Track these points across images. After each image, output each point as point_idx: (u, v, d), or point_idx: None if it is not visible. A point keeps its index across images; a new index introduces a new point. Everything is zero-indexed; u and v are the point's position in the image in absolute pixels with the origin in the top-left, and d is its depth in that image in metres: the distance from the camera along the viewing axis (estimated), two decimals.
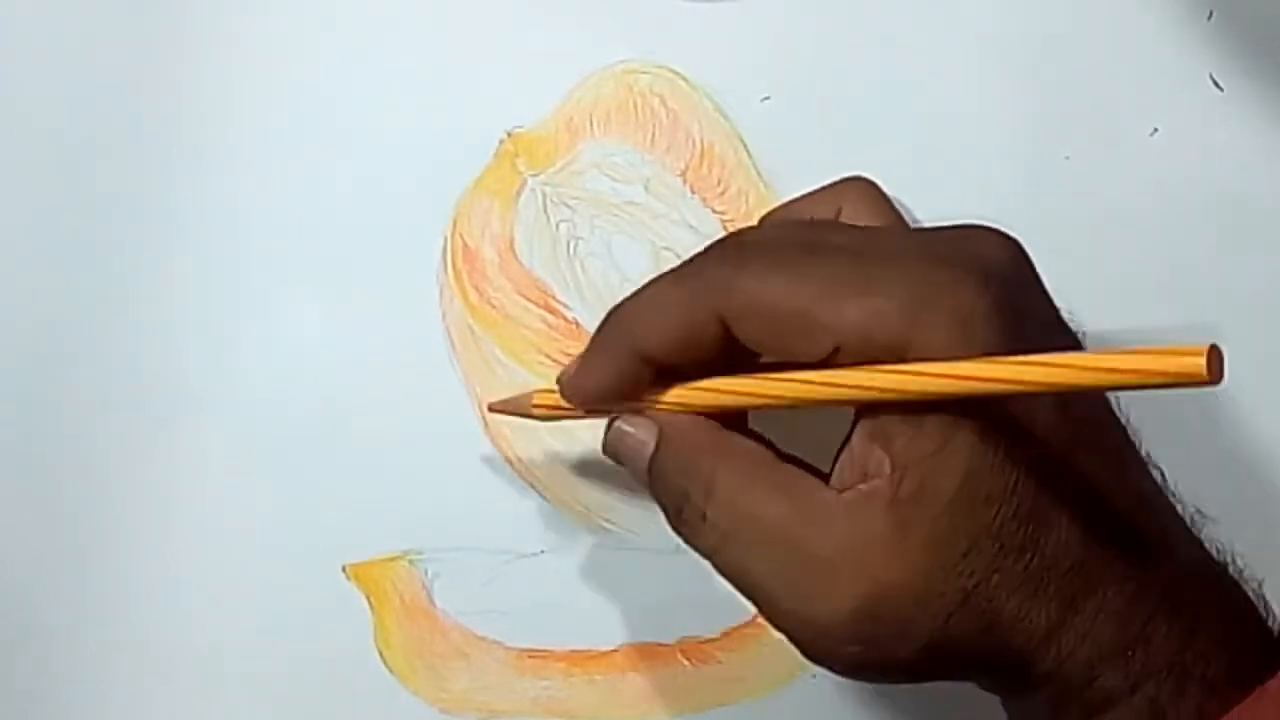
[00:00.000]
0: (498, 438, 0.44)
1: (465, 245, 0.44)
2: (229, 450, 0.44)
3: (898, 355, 0.33)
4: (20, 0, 0.45)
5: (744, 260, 0.35)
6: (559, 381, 0.38)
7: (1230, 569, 0.36)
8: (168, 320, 0.44)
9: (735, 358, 0.36)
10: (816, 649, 0.35)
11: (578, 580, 0.44)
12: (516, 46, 0.45)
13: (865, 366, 0.33)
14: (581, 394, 0.38)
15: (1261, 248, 0.45)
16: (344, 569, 0.44)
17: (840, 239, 0.35)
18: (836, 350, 0.33)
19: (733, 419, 0.37)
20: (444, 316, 0.44)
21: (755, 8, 0.45)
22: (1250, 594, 0.36)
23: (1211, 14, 0.45)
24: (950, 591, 0.33)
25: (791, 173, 0.44)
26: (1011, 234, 0.36)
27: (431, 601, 0.44)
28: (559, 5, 0.45)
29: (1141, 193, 0.45)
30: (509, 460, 0.44)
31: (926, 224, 0.44)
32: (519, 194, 0.44)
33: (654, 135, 0.45)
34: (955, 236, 0.36)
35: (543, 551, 0.44)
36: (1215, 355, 0.28)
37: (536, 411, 0.40)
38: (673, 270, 0.36)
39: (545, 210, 0.44)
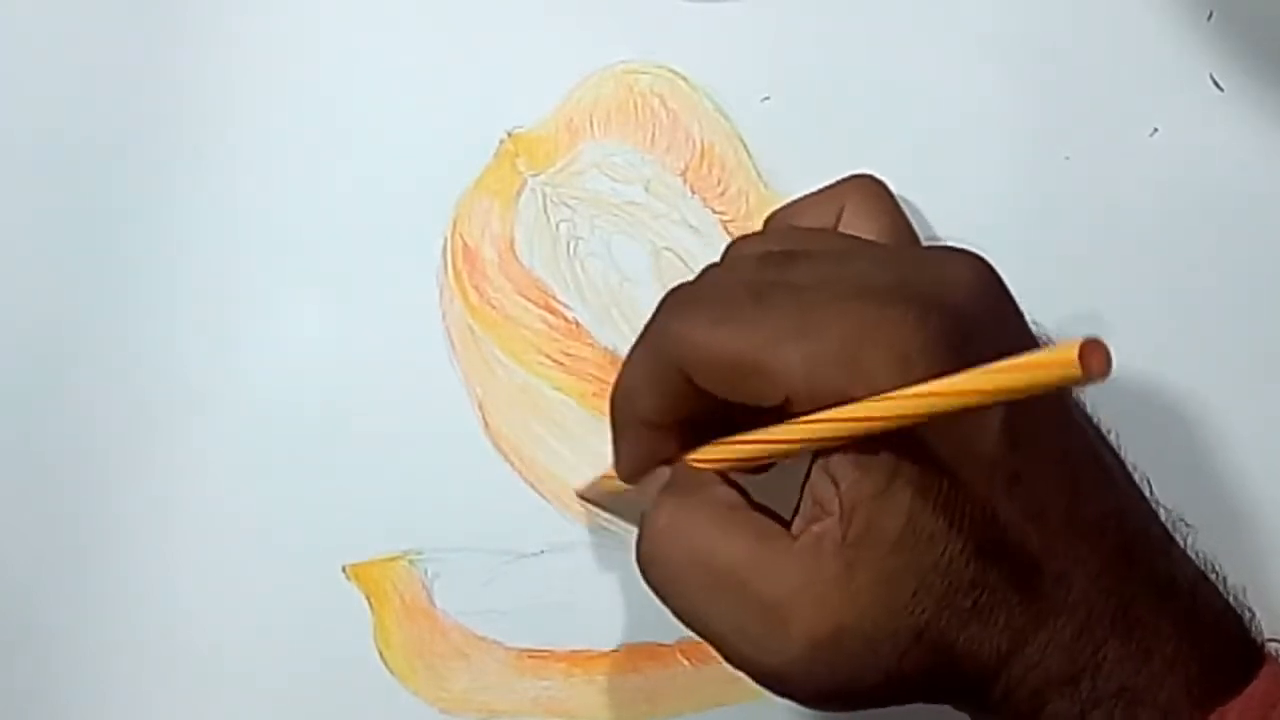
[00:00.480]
0: (498, 438, 0.44)
1: (465, 245, 0.44)
2: (229, 450, 0.44)
3: (842, 398, 0.33)
4: (20, 0, 0.45)
5: (692, 314, 0.35)
6: (614, 470, 0.39)
7: (1212, 578, 0.37)
8: (168, 320, 0.44)
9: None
10: (773, 689, 0.35)
11: (578, 580, 0.44)
12: (516, 46, 0.45)
13: (801, 416, 0.33)
14: (623, 476, 0.39)
15: (1261, 248, 0.45)
16: (344, 569, 0.44)
17: (796, 275, 0.35)
18: (788, 399, 0.34)
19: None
20: (444, 316, 0.44)
21: (755, 8, 0.45)
22: (1231, 603, 0.36)
23: (1211, 14, 0.45)
24: (902, 630, 0.33)
25: (791, 173, 0.44)
26: (982, 255, 0.36)
27: (431, 601, 0.44)
28: (559, 5, 0.45)
29: (1141, 193, 0.45)
30: (509, 460, 0.44)
31: (928, 224, 0.44)
32: (519, 194, 0.44)
33: (654, 135, 0.45)
34: (916, 262, 0.36)
35: (543, 551, 0.44)
36: (1092, 350, 0.27)
37: (607, 490, 0.41)
38: (642, 332, 0.37)
39: (545, 210, 0.44)
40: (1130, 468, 0.37)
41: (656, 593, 0.36)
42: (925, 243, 0.42)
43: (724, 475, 0.37)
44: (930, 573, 0.33)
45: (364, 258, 0.44)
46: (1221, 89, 0.45)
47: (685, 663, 0.43)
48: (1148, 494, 0.37)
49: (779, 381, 0.33)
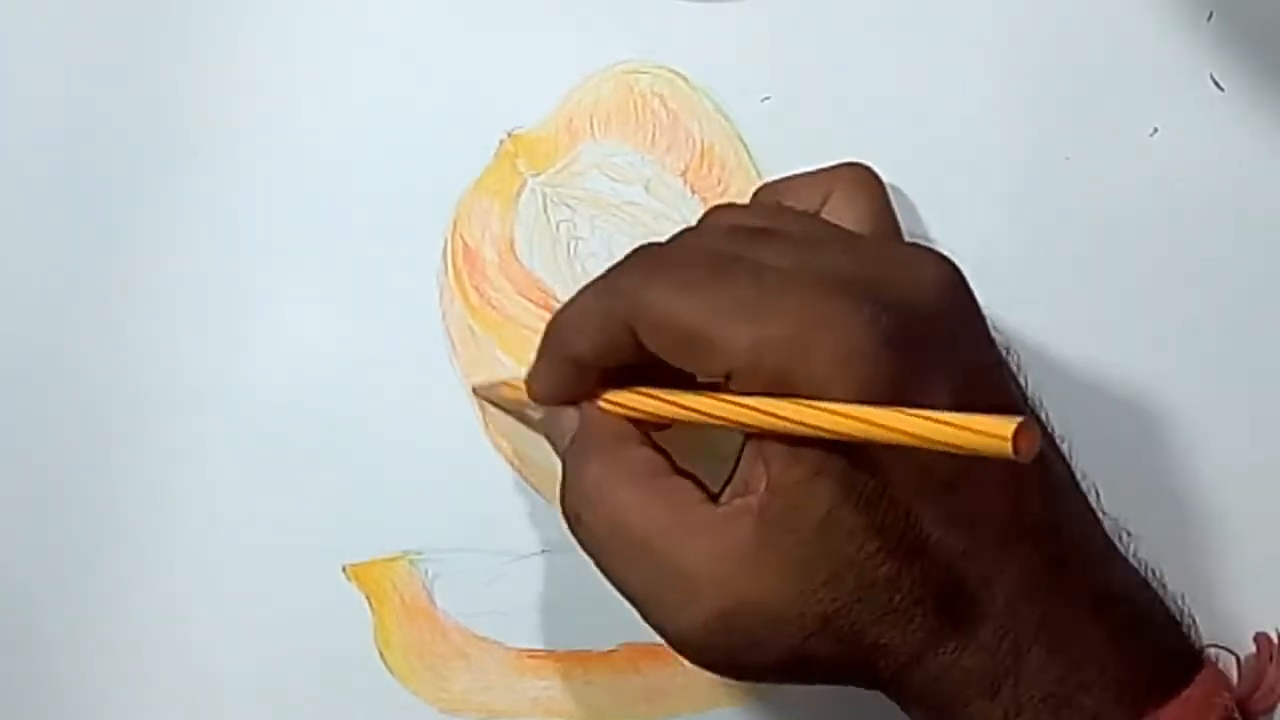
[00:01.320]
0: (498, 438, 0.44)
1: (465, 245, 0.44)
2: (229, 450, 0.44)
3: (784, 384, 0.33)
4: (20, 0, 0.45)
5: (653, 275, 0.35)
6: (525, 383, 0.40)
7: (1153, 584, 0.37)
8: (168, 321, 0.44)
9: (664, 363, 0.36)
10: (680, 653, 0.35)
11: (578, 580, 0.43)
12: (516, 46, 0.45)
13: (736, 396, 0.34)
14: (536, 396, 0.39)
15: (1261, 248, 0.45)
16: (344, 569, 0.44)
17: (762, 253, 0.35)
18: (729, 374, 0.34)
19: (653, 427, 0.38)
20: (444, 317, 0.44)
21: (755, 8, 0.45)
22: (1171, 609, 0.37)
23: (1211, 14, 0.45)
24: (809, 614, 0.34)
25: (792, 172, 0.44)
26: (950, 258, 0.36)
27: (432, 602, 0.44)
28: (559, 5, 0.45)
29: (1141, 193, 0.45)
30: (509, 460, 0.44)
31: (927, 224, 0.44)
32: (519, 194, 0.44)
33: (654, 135, 0.45)
34: (883, 258, 0.36)
35: (543, 551, 0.44)
36: (1024, 434, 0.27)
37: (505, 397, 0.42)
38: (596, 279, 0.37)
39: (545, 210, 0.44)
40: (1080, 475, 0.37)
41: (583, 548, 0.36)
42: (910, 239, 0.42)
43: (646, 436, 0.37)
44: (843, 566, 0.33)
45: (364, 258, 0.44)
46: (1222, 89, 0.45)
47: (685, 663, 0.43)
48: (1095, 502, 0.37)
49: (723, 357, 0.33)
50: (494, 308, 0.44)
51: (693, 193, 0.44)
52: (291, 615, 0.44)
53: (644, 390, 0.37)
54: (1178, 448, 0.44)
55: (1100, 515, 0.37)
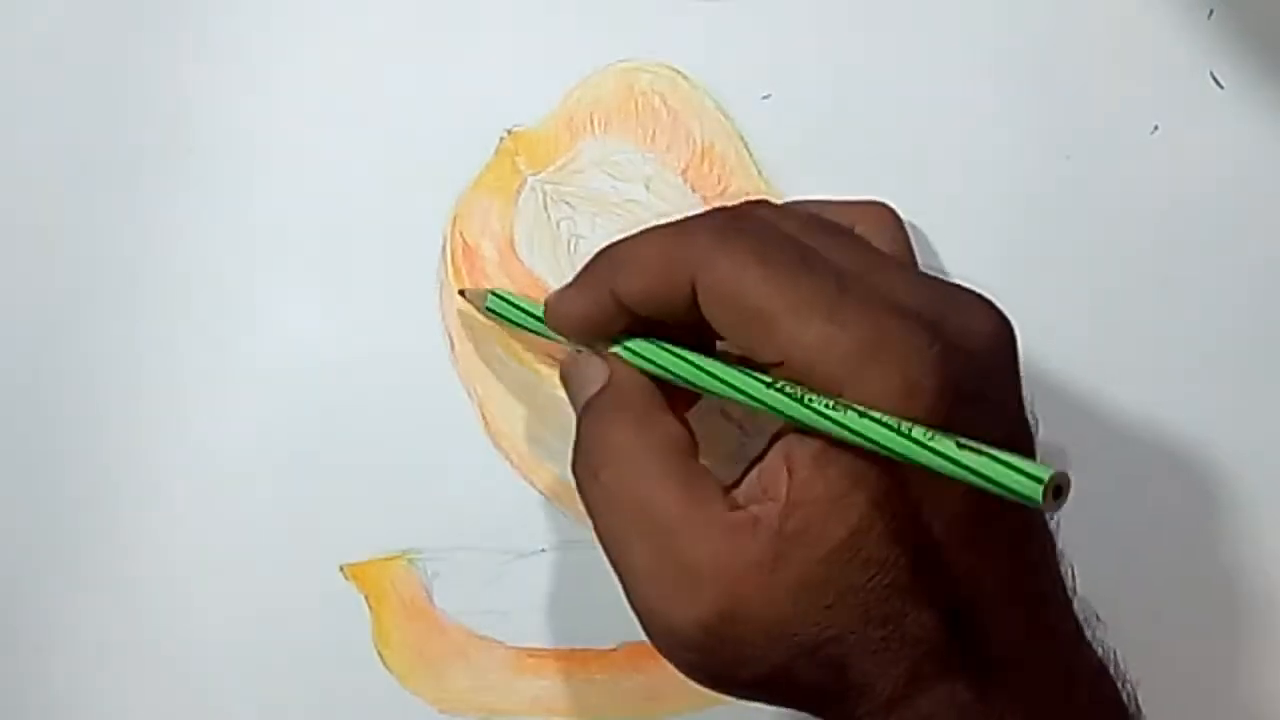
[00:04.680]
0: (498, 437, 0.44)
1: (465, 243, 0.44)
2: (228, 450, 0.44)
3: (834, 389, 0.32)
4: (20, 0, 0.45)
5: (731, 240, 0.35)
6: (546, 302, 0.39)
7: (1111, 671, 0.37)
8: (167, 320, 0.44)
9: (705, 330, 0.36)
10: (658, 643, 0.35)
11: (578, 580, 0.44)
12: (516, 45, 0.45)
13: (783, 382, 0.33)
14: (558, 318, 0.39)
15: (1261, 248, 0.45)
16: (342, 569, 0.44)
17: (839, 259, 0.35)
18: (781, 363, 0.33)
19: (681, 398, 0.37)
20: (444, 315, 0.44)
21: (755, 7, 0.45)
22: (1124, 699, 0.37)
23: (1211, 13, 0.45)
24: (804, 636, 0.33)
25: (792, 171, 0.44)
26: (1004, 313, 0.35)
27: (431, 601, 0.44)
28: (559, 5, 0.45)
29: (1141, 192, 0.45)
30: (509, 460, 0.44)
31: (927, 223, 0.44)
32: (519, 192, 0.44)
33: (655, 134, 0.45)
34: (947, 296, 0.35)
35: (543, 551, 0.44)
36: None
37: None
38: (667, 224, 0.37)
39: (545, 209, 0.44)
40: (1060, 554, 0.37)
41: (585, 503, 0.36)
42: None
43: (678, 415, 0.36)
44: (850, 594, 0.33)
45: (363, 256, 0.44)
46: (1222, 87, 0.45)
47: None
48: (1070, 582, 0.37)
49: (781, 346, 0.33)
50: None
51: (693, 191, 0.44)
52: (290, 615, 0.44)
53: (676, 349, 0.36)
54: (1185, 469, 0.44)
55: (1073, 595, 0.37)
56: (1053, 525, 0.37)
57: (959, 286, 0.36)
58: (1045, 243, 0.45)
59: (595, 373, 0.37)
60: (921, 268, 0.41)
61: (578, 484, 0.36)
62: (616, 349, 0.38)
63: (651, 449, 0.35)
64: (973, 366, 0.33)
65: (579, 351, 0.39)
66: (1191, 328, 0.44)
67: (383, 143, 0.45)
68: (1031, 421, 0.36)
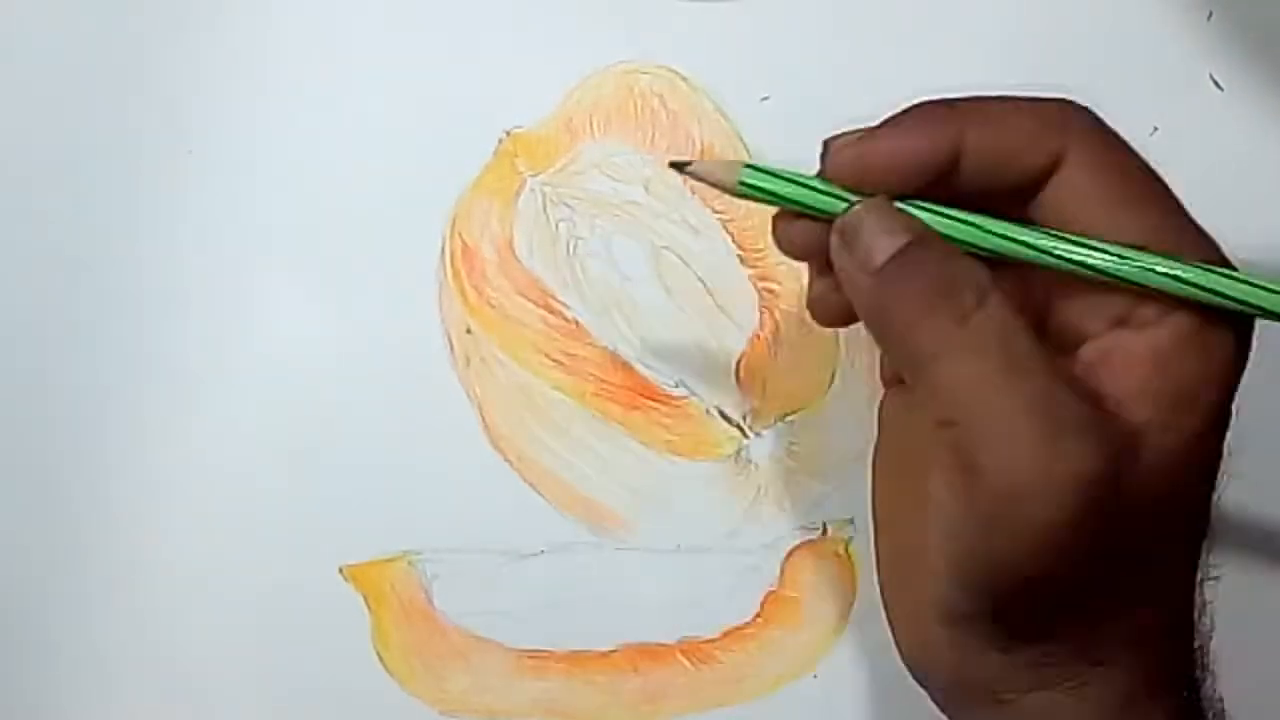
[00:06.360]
0: (498, 438, 0.44)
1: (464, 245, 0.44)
2: (227, 450, 0.44)
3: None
4: (20, 0, 0.45)
5: (1108, 128, 0.34)
6: (848, 145, 0.34)
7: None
8: (167, 320, 0.44)
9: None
10: (940, 563, 0.32)
11: (578, 580, 0.44)
12: (516, 46, 0.45)
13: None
14: (875, 154, 0.33)
15: (1261, 248, 0.45)
16: (341, 570, 0.44)
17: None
18: (1056, 160, 0.32)
19: None
20: (443, 316, 0.44)
21: (755, 8, 0.45)
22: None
23: (1211, 14, 0.45)
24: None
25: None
26: None
27: (430, 602, 0.44)
28: (559, 5, 0.45)
29: None
30: (509, 460, 0.44)
31: None
32: (519, 194, 0.44)
33: (654, 135, 0.45)
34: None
35: (543, 551, 0.44)
36: None
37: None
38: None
39: (545, 210, 0.44)
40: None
41: (880, 334, 0.32)
42: None
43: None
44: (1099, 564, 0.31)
45: (363, 258, 0.44)
46: (1221, 89, 0.45)
47: (685, 663, 0.43)
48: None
49: (1158, 228, 0.33)
50: (493, 307, 0.44)
51: (692, 192, 0.44)
52: (289, 617, 0.44)
53: (954, 213, 0.33)
54: None
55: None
56: None
57: None
58: None
59: (898, 228, 0.32)
60: None
61: (884, 385, 0.34)
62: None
63: (1019, 389, 0.30)
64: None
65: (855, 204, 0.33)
66: None
67: (382, 143, 0.45)
68: None
